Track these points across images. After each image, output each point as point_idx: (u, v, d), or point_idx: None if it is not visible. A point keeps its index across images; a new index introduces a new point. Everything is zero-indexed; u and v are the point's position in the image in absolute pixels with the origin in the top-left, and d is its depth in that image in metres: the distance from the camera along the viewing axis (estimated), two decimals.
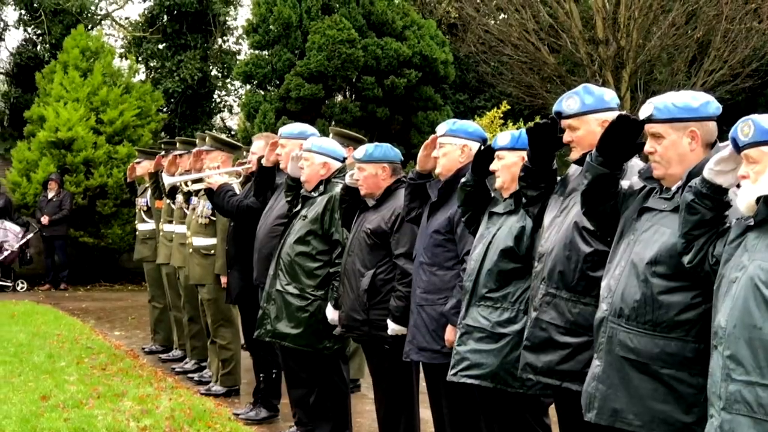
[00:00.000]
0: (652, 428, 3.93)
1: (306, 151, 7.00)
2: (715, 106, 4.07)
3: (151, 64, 22.22)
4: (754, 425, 3.39)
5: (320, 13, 18.91)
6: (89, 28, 21.16)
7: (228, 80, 23.10)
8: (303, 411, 7.18)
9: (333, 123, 17.83)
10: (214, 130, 21.21)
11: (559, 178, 4.91)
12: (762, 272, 3.44)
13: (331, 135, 8.10)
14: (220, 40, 22.91)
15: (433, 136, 5.94)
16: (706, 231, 3.75)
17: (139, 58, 21.90)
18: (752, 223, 3.56)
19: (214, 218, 8.92)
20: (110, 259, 19.29)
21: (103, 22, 23.23)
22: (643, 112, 4.09)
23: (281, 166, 7.50)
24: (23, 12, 21.34)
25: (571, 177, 4.78)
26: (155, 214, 11.13)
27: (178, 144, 10.45)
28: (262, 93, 19.55)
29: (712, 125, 4.06)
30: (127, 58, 20.95)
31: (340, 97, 19.74)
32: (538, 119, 4.97)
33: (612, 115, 4.37)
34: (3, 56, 22.45)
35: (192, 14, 21.55)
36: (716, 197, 3.72)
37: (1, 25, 22.07)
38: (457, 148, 5.79)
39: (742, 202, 3.56)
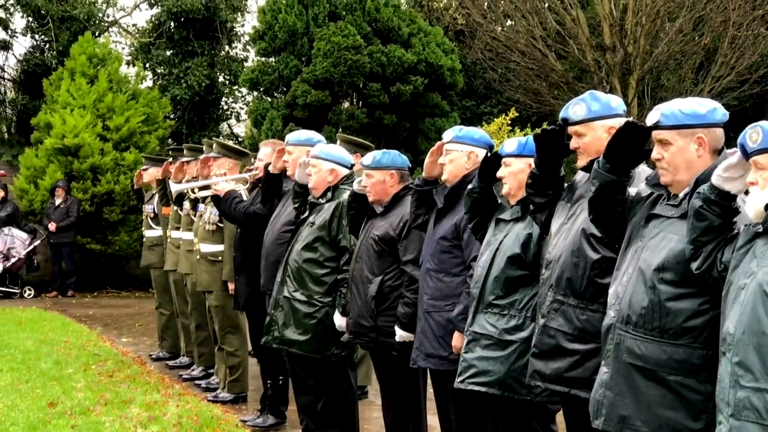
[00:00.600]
0: None
1: (313, 157, 7.00)
2: (722, 113, 4.07)
3: (159, 71, 22.27)
4: None
5: (326, 20, 18.94)
6: (96, 35, 21.22)
7: (235, 87, 23.13)
8: (310, 418, 7.18)
9: (340, 130, 17.82)
10: (221, 137, 21.23)
11: (566, 184, 4.91)
12: None
13: (338, 142, 8.11)
14: (227, 47, 22.96)
15: (439, 142, 5.94)
16: (714, 237, 3.75)
17: (147, 65, 21.94)
18: (761, 230, 3.55)
19: (221, 225, 8.93)
20: (117, 265, 19.32)
21: (110, 29, 23.30)
22: (650, 119, 4.09)
23: (288, 172, 7.51)
24: (31, 19, 21.42)
25: (579, 183, 4.78)
26: (162, 220, 11.15)
27: (185, 151, 10.47)
28: (269, 100, 19.56)
29: (720, 131, 4.06)
30: (134, 65, 21.00)
31: (346, 104, 19.75)
32: (545, 126, 4.97)
33: (619, 122, 4.36)
34: (10, 63, 22.57)
35: (199, 21, 21.60)
36: (724, 204, 3.72)
37: (9, 33, 22.15)
38: (463, 155, 5.79)
39: (751, 208, 3.56)
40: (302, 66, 18.88)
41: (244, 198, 8.24)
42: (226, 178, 8.53)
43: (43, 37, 21.54)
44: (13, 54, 22.49)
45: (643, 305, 3.96)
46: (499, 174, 5.33)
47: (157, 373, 10.33)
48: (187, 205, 9.80)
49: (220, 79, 22.80)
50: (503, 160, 5.32)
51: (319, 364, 7.00)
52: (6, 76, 22.53)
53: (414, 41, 19.15)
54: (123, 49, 23.16)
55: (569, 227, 4.66)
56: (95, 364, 10.55)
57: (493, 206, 5.45)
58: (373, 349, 6.56)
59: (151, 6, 22.66)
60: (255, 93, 20.41)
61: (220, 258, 8.95)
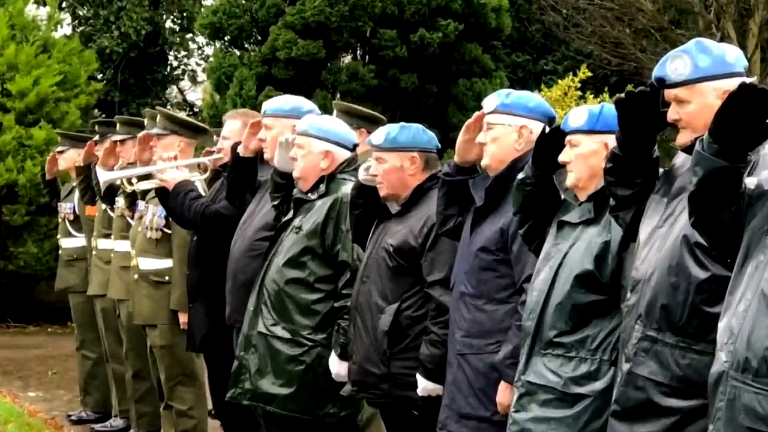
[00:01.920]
0: None
1: (300, 135, 7.02)
2: None
3: (80, 13, 22.33)
4: None
5: None
6: None
7: (189, 36, 23.18)
8: None
9: (338, 95, 17.89)
10: (168, 106, 21.28)
11: (661, 170, 4.92)
12: None
13: (335, 112, 8.13)
14: None
15: (477, 113, 5.96)
16: None
17: (63, 5, 21.99)
18: None
19: (169, 231, 8.95)
20: (22, 288, 19.36)
21: None
22: None
23: (266, 156, 7.55)
24: None
25: (680, 171, 4.78)
26: (86, 224, 11.17)
27: (118, 126, 10.50)
28: (238, 53, 19.62)
29: None
30: (45, 5, 21.06)
31: (347, 59, 19.80)
32: (629, 88, 4.97)
33: (736, 83, 4.36)
34: None
35: None
36: None
37: None
38: (512, 131, 5.81)
39: None
40: (285, 5, 18.91)
41: (202, 192, 8.27)
42: (177, 163, 8.54)
43: None
44: None
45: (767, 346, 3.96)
46: (561, 158, 5.34)
47: None
48: (120, 202, 9.83)
49: (168, 24, 22.86)
50: (568, 138, 5.33)
51: (308, 427, 7.02)
52: None
53: None
54: None
55: (665, 233, 4.66)
56: None
57: (553, 204, 5.47)
58: (386, 406, 6.58)
59: None
60: (217, 44, 20.46)
61: (167, 278, 8.97)
